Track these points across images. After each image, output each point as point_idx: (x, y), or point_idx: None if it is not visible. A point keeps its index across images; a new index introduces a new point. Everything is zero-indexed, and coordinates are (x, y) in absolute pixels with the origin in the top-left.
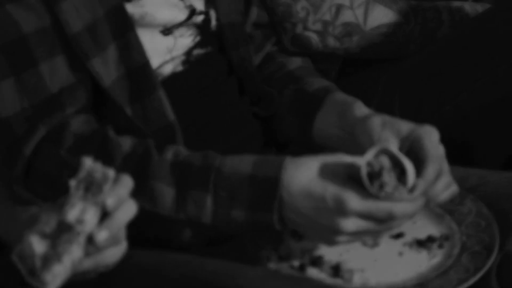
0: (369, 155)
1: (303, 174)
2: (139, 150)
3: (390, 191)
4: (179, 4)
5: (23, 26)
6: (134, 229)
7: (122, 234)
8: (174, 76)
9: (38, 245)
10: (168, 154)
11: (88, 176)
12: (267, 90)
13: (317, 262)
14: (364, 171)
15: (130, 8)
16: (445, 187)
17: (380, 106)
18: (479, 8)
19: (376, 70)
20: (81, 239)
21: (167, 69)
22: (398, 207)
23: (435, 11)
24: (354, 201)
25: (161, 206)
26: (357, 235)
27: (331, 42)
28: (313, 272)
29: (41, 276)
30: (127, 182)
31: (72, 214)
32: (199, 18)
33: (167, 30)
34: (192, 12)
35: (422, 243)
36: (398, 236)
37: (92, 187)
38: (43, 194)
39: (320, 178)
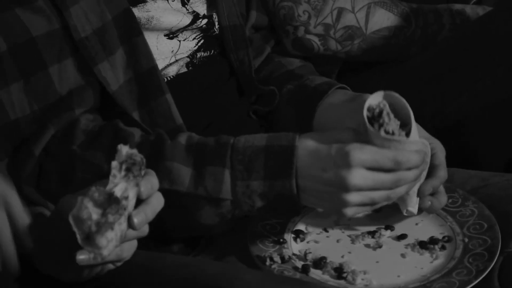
0: (372, 99)
1: (312, 140)
2: (152, 137)
3: (390, 131)
4: (183, 10)
5: (32, 29)
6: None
7: (147, 227)
8: (178, 77)
9: (93, 210)
10: (181, 138)
11: (129, 159)
12: (267, 90)
13: (320, 263)
14: (364, 113)
15: (136, 12)
16: (444, 204)
17: None
18: (480, 11)
19: (377, 73)
20: (127, 214)
21: (172, 71)
22: (403, 154)
23: (436, 14)
24: (357, 151)
25: (180, 184)
26: (367, 195)
27: (333, 45)
28: (316, 274)
29: (96, 240)
30: (155, 174)
31: (117, 190)
32: (203, 22)
33: (171, 34)
34: (196, 17)
35: (425, 245)
36: (401, 237)
37: (133, 169)
38: (57, 192)
39: (327, 140)
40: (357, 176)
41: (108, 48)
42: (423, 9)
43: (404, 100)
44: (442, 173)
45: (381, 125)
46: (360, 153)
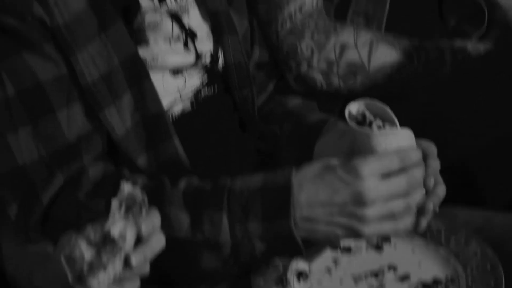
0: (351, 107)
1: (310, 171)
2: (154, 183)
3: (381, 124)
4: (184, 51)
5: (39, 74)
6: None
7: (147, 266)
8: (183, 115)
9: (86, 250)
10: (181, 184)
11: (129, 198)
12: (269, 128)
13: None
14: (348, 120)
15: (140, 52)
16: (443, 195)
17: None
18: (481, 47)
19: None
20: (122, 255)
21: (177, 109)
22: (402, 151)
23: (437, 51)
24: (363, 163)
25: (179, 230)
26: (385, 206)
27: (335, 81)
28: None
29: (88, 281)
30: (158, 214)
31: (115, 229)
32: (207, 59)
33: (177, 72)
34: (199, 56)
35: (428, 286)
36: (404, 278)
37: (133, 208)
38: None
39: (327, 165)
40: (372, 186)
41: (115, 92)
42: (425, 46)
43: (382, 104)
44: (440, 190)
45: (369, 125)
46: (367, 163)
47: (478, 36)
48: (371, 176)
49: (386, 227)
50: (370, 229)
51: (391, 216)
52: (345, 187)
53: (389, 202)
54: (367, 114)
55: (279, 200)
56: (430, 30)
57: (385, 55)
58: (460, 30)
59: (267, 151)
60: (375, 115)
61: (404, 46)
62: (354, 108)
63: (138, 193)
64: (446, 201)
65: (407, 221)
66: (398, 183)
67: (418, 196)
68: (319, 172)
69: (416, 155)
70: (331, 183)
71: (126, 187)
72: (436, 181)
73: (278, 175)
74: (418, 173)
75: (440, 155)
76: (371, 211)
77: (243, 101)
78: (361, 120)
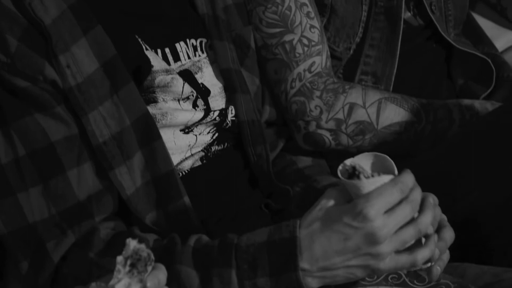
0: (346, 161)
1: (315, 222)
2: (165, 242)
3: (368, 176)
4: (193, 111)
5: (51, 134)
6: None
7: None
8: (192, 171)
9: None
10: (191, 241)
11: (134, 254)
12: (281, 186)
13: None
14: (340, 175)
15: (149, 109)
16: (451, 240)
17: None
18: (489, 106)
19: None
20: None
21: (187, 165)
22: (397, 179)
23: (446, 109)
24: (367, 204)
25: (189, 287)
26: (397, 238)
27: (344, 140)
28: None
29: None
30: (164, 269)
31: (119, 286)
32: (215, 115)
33: (187, 128)
34: (207, 111)
35: None
36: None
37: (138, 264)
38: None
39: (327, 212)
40: (381, 224)
41: (126, 152)
42: (433, 105)
43: (381, 155)
44: (447, 234)
45: (358, 176)
46: (370, 204)
47: (486, 95)
48: (378, 215)
49: (403, 260)
50: (387, 264)
51: (403, 244)
52: (355, 232)
53: (399, 233)
54: (357, 166)
55: (286, 253)
56: (438, 89)
57: (393, 114)
58: (468, 89)
59: (277, 209)
60: (377, 167)
61: (413, 105)
62: (348, 162)
63: (144, 249)
64: (455, 258)
65: (425, 253)
66: (403, 212)
67: (426, 218)
68: (324, 223)
69: (410, 179)
70: (340, 231)
71: (132, 243)
72: (442, 225)
73: (283, 228)
74: (417, 195)
75: (448, 212)
76: (385, 247)
77: (258, 158)
78: (352, 173)
